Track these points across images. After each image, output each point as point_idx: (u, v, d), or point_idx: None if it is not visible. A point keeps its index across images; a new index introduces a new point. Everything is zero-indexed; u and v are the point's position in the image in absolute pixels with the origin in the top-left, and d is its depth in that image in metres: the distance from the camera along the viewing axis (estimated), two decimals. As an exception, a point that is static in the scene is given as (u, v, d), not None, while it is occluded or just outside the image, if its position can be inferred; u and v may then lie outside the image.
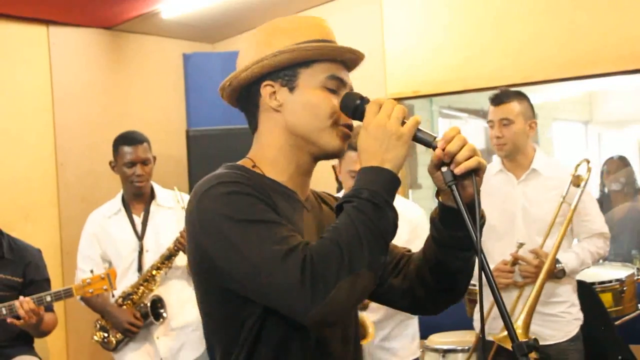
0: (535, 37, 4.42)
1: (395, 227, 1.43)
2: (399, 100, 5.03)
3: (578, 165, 3.26)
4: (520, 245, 3.16)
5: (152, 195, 3.73)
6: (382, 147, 1.43)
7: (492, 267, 3.15)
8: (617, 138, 8.97)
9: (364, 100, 1.52)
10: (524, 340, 1.32)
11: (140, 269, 3.59)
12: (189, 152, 4.94)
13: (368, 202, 1.39)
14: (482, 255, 1.39)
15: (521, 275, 3.18)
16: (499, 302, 1.37)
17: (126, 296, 3.57)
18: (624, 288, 3.84)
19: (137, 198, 3.70)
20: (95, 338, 3.65)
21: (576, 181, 3.20)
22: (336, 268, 1.34)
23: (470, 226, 1.42)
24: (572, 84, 6.11)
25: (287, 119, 1.54)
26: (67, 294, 3.26)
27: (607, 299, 3.74)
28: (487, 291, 1.40)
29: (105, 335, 3.61)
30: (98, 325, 3.66)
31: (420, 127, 1.47)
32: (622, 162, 5.68)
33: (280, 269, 1.34)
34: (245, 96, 1.59)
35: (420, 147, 1.63)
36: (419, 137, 1.47)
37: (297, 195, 1.59)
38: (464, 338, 3.94)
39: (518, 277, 3.20)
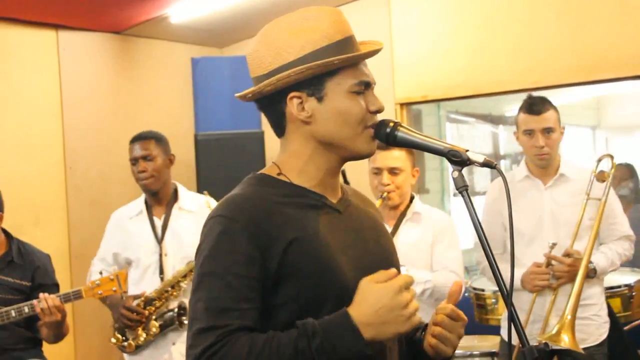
0: (543, 42, 4.41)
1: None
2: (408, 104, 5.03)
3: (599, 160, 3.25)
4: (553, 245, 3.13)
5: (175, 198, 3.59)
6: (380, 319, 1.39)
7: (522, 272, 3.16)
8: (625, 143, 8.95)
9: (396, 125, 1.54)
10: (535, 344, 1.32)
11: (161, 271, 3.48)
12: (197, 156, 4.95)
13: (309, 352, 1.36)
14: (512, 260, 1.39)
15: (554, 276, 3.14)
16: (508, 305, 1.38)
17: (149, 301, 3.43)
18: (633, 293, 3.82)
19: (156, 199, 3.56)
20: (113, 340, 3.52)
21: (600, 177, 3.18)
22: None
23: (482, 235, 1.44)
24: (581, 89, 6.11)
25: (318, 129, 1.54)
26: (76, 295, 3.25)
27: (615, 304, 3.72)
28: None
29: (124, 338, 3.50)
30: (115, 327, 3.54)
31: None
32: (627, 170, 5.66)
33: (193, 338, 1.40)
34: (267, 104, 1.58)
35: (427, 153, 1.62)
36: None
37: (327, 199, 1.58)
38: (472, 343, 3.93)
39: (551, 279, 3.16)
